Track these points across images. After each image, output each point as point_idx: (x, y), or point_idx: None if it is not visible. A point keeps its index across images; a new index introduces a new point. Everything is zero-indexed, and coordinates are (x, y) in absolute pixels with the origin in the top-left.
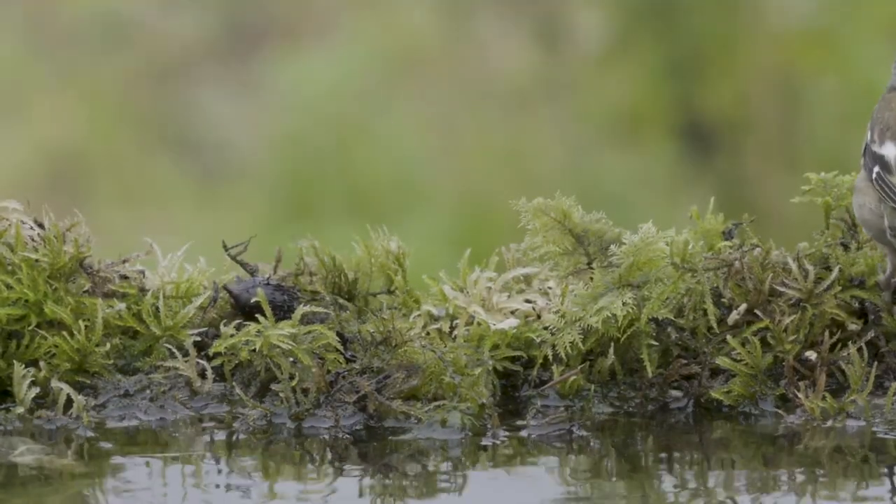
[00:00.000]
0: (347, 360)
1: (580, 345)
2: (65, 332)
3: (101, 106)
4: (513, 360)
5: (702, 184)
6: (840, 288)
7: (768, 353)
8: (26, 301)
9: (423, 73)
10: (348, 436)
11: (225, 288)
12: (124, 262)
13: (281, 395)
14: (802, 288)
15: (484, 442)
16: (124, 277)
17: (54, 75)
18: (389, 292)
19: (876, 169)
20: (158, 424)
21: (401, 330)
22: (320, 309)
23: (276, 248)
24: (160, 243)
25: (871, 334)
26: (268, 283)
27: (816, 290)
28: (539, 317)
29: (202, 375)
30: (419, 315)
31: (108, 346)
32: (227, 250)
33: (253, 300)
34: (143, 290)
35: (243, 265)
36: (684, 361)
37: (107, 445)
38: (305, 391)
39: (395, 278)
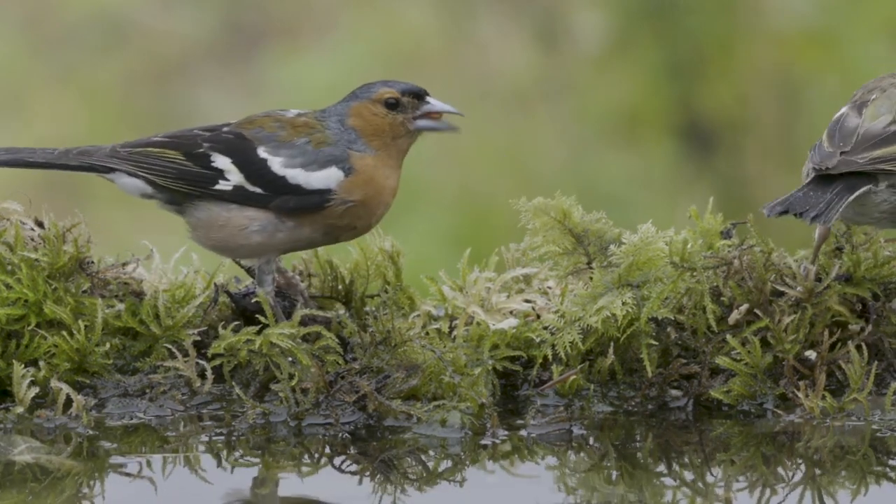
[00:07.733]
0: (346, 361)
1: (580, 345)
2: (64, 332)
3: (100, 105)
4: (512, 359)
5: (702, 184)
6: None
7: (768, 353)
8: (26, 301)
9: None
10: (348, 435)
11: (226, 292)
12: (124, 265)
13: (280, 394)
14: (803, 288)
15: (483, 441)
16: (125, 284)
17: (54, 75)
18: (385, 293)
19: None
20: (158, 423)
21: (400, 330)
22: (320, 312)
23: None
24: (159, 243)
25: (868, 329)
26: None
27: (817, 289)
28: (539, 317)
29: (202, 375)
30: (418, 315)
31: (108, 345)
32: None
33: (253, 301)
34: (139, 294)
35: (240, 264)
36: (684, 361)
37: (106, 444)
38: (305, 391)
39: (387, 274)
